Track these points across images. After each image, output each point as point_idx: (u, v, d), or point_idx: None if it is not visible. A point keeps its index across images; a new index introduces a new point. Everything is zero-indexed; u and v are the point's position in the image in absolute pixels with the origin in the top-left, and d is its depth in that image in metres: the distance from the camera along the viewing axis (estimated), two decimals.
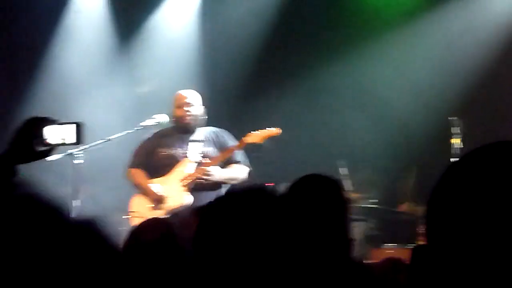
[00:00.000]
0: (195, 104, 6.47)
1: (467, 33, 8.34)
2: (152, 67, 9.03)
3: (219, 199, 1.88)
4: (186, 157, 6.36)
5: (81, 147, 5.62)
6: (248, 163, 6.48)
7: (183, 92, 6.56)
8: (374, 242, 7.27)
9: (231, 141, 6.48)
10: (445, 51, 8.47)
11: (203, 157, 6.34)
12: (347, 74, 8.68)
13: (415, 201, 7.43)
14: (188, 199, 6.25)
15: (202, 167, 6.21)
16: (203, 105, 6.55)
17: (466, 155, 1.25)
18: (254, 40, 8.80)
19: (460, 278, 1.15)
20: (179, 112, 6.44)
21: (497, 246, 1.15)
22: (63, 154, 5.58)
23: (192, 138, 6.45)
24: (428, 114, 8.34)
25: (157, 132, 6.53)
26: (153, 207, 6.33)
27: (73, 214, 5.29)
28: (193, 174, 6.27)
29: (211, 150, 6.41)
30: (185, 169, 6.33)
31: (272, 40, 8.85)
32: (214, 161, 6.25)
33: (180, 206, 6.21)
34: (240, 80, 8.78)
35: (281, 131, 6.40)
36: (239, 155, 6.45)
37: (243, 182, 6.37)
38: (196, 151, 6.39)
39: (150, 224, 3.49)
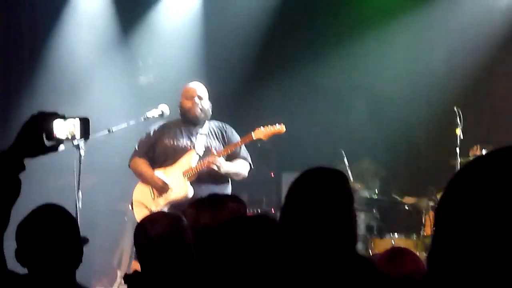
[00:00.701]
0: (204, 98, 6.48)
1: (471, 25, 8.35)
2: (154, 57, 9.04)
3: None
4: (192, 149, 6.37)
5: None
6: (250, 160, 6.49)
7: (193, 85, 6.55)
8: (377, 233, 7.29)
9: (235, 136, 6.48)
10: (448, 43, 8.48)
11: (207, 150, 6.35)
12: (347, 68, 8.70)
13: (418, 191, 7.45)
14: (190, 191, 6.26)
15: (210, 159, 6.20)
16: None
17: (474, 161, 1.26)
18: (255, 34, 8.82)
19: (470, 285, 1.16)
20: (188, 104, 6.43)
21: (505, 251, 1.14)
22: (67, 146, 5.59)
23: (198, 131, 6.45)
24: (430, 106, 8.37)
25: (164, 123, 6.53)
26: (155, 196, 6.35)
27: (78, 204, 5.36)
28: (197, 166, 6.28)
29: (215, 143, 6.41)
30: (190, 161, 6.33)
31: (273, 34, 8.88)
32: (218, 154, 6.26)
33: (182, 198, 6.22)
34: (240, 74, 8.79)
35: (285, 128, 6.41)
36: (243, 151, 6.46)
37: (243, 178, 6.39)
38: (201, 144, 6.40)
39: (159, 218, 3.49)
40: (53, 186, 7.69)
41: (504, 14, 8.23)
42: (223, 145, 6.42)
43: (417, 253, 4.84)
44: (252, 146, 6.60)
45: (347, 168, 7.35)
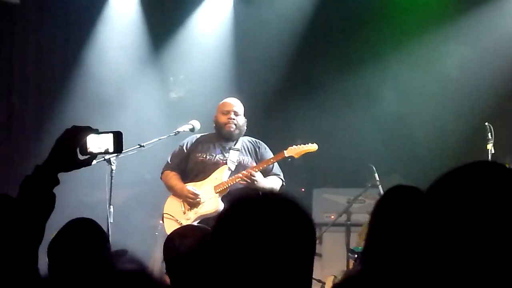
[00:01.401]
0: (240, 113, 6.48)
1: (500, 38, 8.30)
2: (185, 73, 9.09)
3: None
4: (225, 164, 6.37)
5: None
6: (283, 177, 6.48)
7: (230, 100, 6.56)
8: None
9: (268, 153, 6.47)
10: (477, 58, 8.43)
11: (239, 165, 6.35)
12: (376, 83, 8.67)
13: None
14: (221, 206, 6.25)
15: (247, 172, 6.18)
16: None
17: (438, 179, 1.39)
18: (287, 48, 8.81)
19: None
20: (223, 119, 6.43)
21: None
22: (99, 161, 5.63)
23: (231, 146, 6.45)
24: (460, 121, 8.33)
25: (197, 137, 6.54)
26: (186, 210, 6.35)
27: (109, 218, 5.39)
28: (229, 181, 6.27)
29: (247, 159, 6.41)
30: (222, 176, 6.33)
31: (305, 48, 8.87)
32: (253, 169, 6.23)
33: (213, 213, 6.22)
34: (272, 89, 8.79)
35: (317, 147, 6.41)
36: (275, 167, 6.45)
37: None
38: (234, 159, 6.40)
39: (188, 232, 3.48)
40: (85, 201, 7.75)
41: None
42: (255, 161, 6.41)
43: None
44: (282, 162, 6.59)
45: (378, 183, 7.31)
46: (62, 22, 8.54)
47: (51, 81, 8.54)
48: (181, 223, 6.15)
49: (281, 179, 6.44)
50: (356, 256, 6.19)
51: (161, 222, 6.54)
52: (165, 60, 8.93)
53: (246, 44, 8.94)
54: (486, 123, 6.88)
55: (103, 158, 5.60)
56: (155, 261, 7.95)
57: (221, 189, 6.28)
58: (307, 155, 6.49)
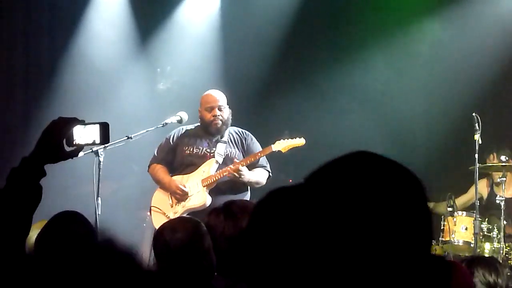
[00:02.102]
0: (224, 107, 6.41)
1: (488, 29, 8.32)
2: (172, 64, 9.06)
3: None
4: (212, 157, 6.34)
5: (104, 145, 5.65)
6: (269, 168, 6.46)
7: (213, 94, 6.46)
8: None
9: (255, 144, 6.43)
10: (465, 49, 8.45)
11: (227, 158, 6.32)
12: (363, 74, 8.68)
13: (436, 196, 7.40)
14: (209, 200, 6.23)
15: (233, 167, 6.14)
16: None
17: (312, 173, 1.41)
18: (274, 39, 8.80)
19: None
20: (208, 116, 6.35)
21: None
22: (86, 152, 5.61)
23: (218, 138, 6.41)
24: (448, 112, 8.35)
25: (184, 129, 6.50)
26: (173, 204, 6.34)
27: (97, 210, 5.38)
28: (216, 175, 6.23)
29: (234, 151, 6.37)
30: (210, 169, 6.30)
31: (293, 39, 8.86)
32: (240, 163, 6.20)
33: (200, 207, 6.20)
34: (259, 80, 8.77)
35: (304, 141, 6.37)
36: (262, 158, 6.41)
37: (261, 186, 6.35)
38: (221, 152, 6.37)
39: (177, 225, 3.47)
40: (72, 193, 7.73)
41: None
42: (242, 153, 6.39)
43: None
44: (270, 154, 6.57)
45: None
46: (48, 13, 8.48)
47: (38, 72, 8.48)
48: (169, 217, 6.13)
49: (268, 171, 6.42)
50: None
51: (148, 214, 6.53)
52: (153, 51, 8.90)
53: (233, 35, 8.92)
54: (474, 114, 6.90)
55: (91, 150, 5.58)
56: (143, 253, 7.95)
57: (208, 182, 6.24)
58: (296, 148, 6.46)
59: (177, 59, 8.95)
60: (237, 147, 6.42)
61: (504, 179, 7.11)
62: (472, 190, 7.31)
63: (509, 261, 6.85)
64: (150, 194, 6.50)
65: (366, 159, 1.40)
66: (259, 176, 6.33)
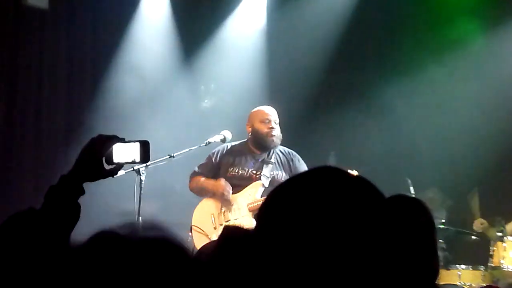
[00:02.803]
0: (277, 123, 6.32)
1: None
2: (216, 82, 9.02)
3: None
4: (259, 179, 6.21)
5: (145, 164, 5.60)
6: None
7: (268, 109, 6.39)
8: (443, 264, 7.09)
9: (302, 166, 6.28)
10: None
11: (273, 180, 6.15)
12: (416, 94, 8.53)
13: (487, 220, 7.25)
14: (254, 225, 6.08)
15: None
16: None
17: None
18: (320, 57, 8.71)
19: None
20: (264, 128, 6.25)
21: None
22: (127, 171, 5.57)
23: (265, 158, 6.29)
24: (501, 133, 8.16)
25: (228, 147, 6.39)
26: (217, 225, 6.18)
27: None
28: (261, 199, 6.06)
29: (281, 174, 6.23)
30: (256, 193, 6.18)
31: (339, 57, 8.75)
32: None
33: None
34: (305, 99, 8.68)
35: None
36: None
37: None
38: (267, 174, 6.23)
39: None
40: (114, 212, 7.69)
41: None
42: (289, 175, 6.26)
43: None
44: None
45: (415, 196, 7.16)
46: (91, 28, 8.49)
47: (81, 88, 8.48)
48: (211, 239, 6.00)
49: None
50: None
51: (190, 234, 6.43)
52: (197, 69, 8.86)
53: (279, 53, 8.85)
54: None
55: (132, 169, 5.53)
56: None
57: (254, 207, 6.09)
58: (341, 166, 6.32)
59: (221, 77, 8.90)
60: (283, 169, 6.27)
61: None
62: None
63: None
64: (191, 214, 6.42)
65: (327, 174, 1.47)
66: None
